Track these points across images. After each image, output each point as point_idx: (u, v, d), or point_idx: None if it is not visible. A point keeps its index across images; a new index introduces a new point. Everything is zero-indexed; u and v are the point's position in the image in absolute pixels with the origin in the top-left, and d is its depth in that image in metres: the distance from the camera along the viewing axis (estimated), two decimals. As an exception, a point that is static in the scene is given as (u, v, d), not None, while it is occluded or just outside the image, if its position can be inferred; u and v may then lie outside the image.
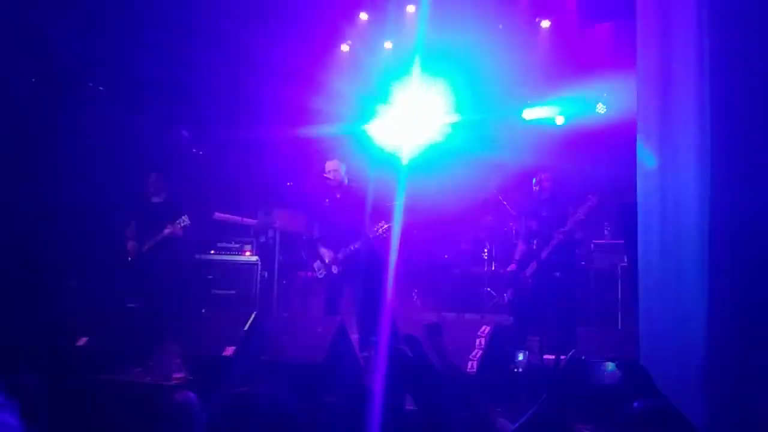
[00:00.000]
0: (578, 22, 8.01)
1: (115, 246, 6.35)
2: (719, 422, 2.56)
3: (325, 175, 5.80)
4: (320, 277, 5.79)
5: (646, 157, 3.27)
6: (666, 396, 1.87)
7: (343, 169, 5.84)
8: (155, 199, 6.51)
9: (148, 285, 6.25)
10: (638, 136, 3.35)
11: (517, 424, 1.77)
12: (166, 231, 6.16)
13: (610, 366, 1.81)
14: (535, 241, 5.60)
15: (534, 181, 5.75)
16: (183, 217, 6.23)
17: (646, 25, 3.36)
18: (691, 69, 2.97)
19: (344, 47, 9.35)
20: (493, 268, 7.76)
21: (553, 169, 5.73)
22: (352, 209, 5.73)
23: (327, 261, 5.71)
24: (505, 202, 7.52)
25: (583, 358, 1.61)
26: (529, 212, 5.82)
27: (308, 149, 8.50)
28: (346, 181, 5.86)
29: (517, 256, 5.78)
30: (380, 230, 5.51)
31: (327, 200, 5.85)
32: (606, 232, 6.97)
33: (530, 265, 5.51)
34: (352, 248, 5.58)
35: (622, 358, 1.85)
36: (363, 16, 9.11)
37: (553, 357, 4.20)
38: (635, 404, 1.84)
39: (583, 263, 6.87)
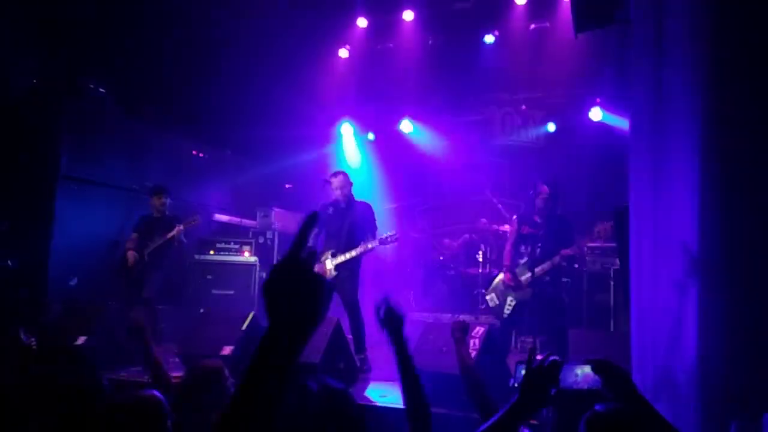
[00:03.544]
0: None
1: (116, 250, 6.40)
2: (711, 423, 2.61)
3: (332, 189, 5.86)
4: None
5: (639, 161, 3.32)
6: (646, 400, 1.83)
7: (349, 183, 5.88)
8: (156, 215, 6.61)
9: (141, 288, 6.31)
10: (630, 140, 3.40)
11: (484, 426, 1.77)
12: (176, 230, 6.22)
13: (586, 368, 1.76)
14: (523, 247, 5.64)
15: (535, 189, 5.72)
16: (195, 216, 6.29)
17: (640, 31, 3.41)
18: (685, 75, 3.01)
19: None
20: (487, 270, 7.83)
21: (554, 179, 5.72)
22: (354, 219, 5.79)
23: (322, 259, 5.75)
24: (499, 205, 7.60)
25: (558, 359, 1.62)
26: (524, 217, 5.80)
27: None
28: (353, 195, 5.92)
29: (506, 261, 5.74)
30: (387, 237, 5.57)
31: (331, 208, 5.89)
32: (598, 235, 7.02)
33: (528, 275, 5.48)
34: (349, 255, 5.63)
35: (601, 360, 1.81)
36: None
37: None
38: (596, 407, 1.83)
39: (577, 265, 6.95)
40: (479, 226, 8.53)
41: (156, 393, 2.45)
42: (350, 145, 10.08)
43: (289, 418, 1.69)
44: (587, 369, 1.79)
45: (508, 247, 5.81)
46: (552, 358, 1.81)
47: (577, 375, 1.78)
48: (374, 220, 5.83)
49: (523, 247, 5.64)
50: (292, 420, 1.69)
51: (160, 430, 2.34)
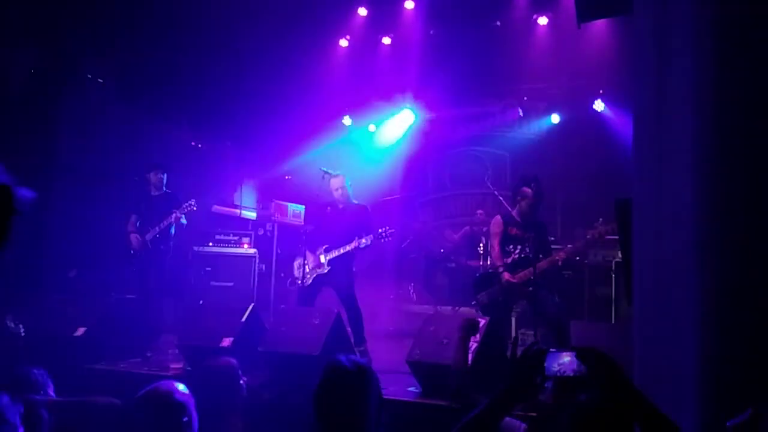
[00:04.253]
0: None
1: (116, 238, 6.37)
2: (713, 415, 2.59)
3: (331, 189, 5.88)
4: (296, 275, 5.89)
5: (642, 153, 3.30)
6: (633, 387, 1.80)
7: (347, 184, 5.88)
8: (154, 192, 6.53)
9: (147, 276, 6.28)
10: (634, 132, 3.38)
11: (466, 419, 1.76)
12: (173, 216, 6.17)
13: (569, 357, 1.72)
14: (511, 246, 5.55)
15: (525, 188, 5.64)
16: (191, 201, 6.26)
17: (643, 21, 3.37)
18: (688, 66, 2.98)
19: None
20: (489, 263, 7.80)
21: (536, 178, 5.67)
22: (350, 219, 5.81)
23: (310, 267, 5.82)
24: (501, 197, 7.55)
25: (542, 347, 1.60)
26: (508, 218, 5.74)
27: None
28: (351, 197, 5.93)
29: (498, 261, 5.56)
30: (385, 232, 5.58)
31: (329, 208, 5.93)
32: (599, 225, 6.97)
33: (523, 273, 5.40)
34: (342, 250, 5.68)
35: (585, 348, 1.77)
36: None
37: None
38: (580, 397, 1.82)
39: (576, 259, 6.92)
40: (477, 218, 8.50)
41: (171, 386, 2.42)
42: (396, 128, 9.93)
43: (326, 391, 2.03)
44: (569, 357, 1.78)
45: (496, 247, 5.65)
46: (536, 346, 1.80)
47: (563, 362, 1.76)
48: (371, 221, 5.82)
49: (511, 247, 5.56)
50: (329, 393, 2.01)
51: (175, 424, 2.33)
